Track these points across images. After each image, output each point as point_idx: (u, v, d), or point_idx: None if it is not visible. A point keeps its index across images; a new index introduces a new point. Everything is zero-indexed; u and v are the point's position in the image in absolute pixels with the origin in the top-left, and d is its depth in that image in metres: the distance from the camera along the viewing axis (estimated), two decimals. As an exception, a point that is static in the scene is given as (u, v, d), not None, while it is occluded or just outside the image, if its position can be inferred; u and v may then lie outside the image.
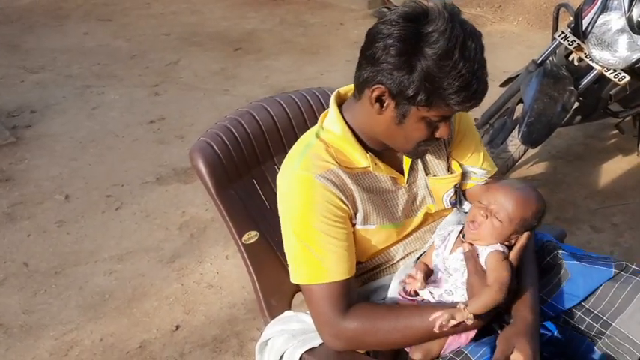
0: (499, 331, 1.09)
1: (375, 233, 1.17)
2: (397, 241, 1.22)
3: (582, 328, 1.14)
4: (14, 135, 3.22)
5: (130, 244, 2.40)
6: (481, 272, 1.08)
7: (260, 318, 1.92)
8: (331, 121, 1.17)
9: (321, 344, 1.16)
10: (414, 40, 1.00)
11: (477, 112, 2.76)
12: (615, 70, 2.19)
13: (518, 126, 2.29)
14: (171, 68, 4.22)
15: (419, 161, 1.22)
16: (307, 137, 1.19)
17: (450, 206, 1.25)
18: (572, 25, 2.29)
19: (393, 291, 1.19)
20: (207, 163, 1.39)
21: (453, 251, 1.15)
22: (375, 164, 1.16)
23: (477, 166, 1.28)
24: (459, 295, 1.11)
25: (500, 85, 2.73)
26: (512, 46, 4.55)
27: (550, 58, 2.41)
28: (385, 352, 1.19)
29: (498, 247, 1.11)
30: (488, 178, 1.29)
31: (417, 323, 1.07)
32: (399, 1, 5.47)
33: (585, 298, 1.14)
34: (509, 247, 1.13)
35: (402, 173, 1.20)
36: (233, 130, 1.47)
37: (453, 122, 1.21)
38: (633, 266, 1.13)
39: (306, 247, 1.11)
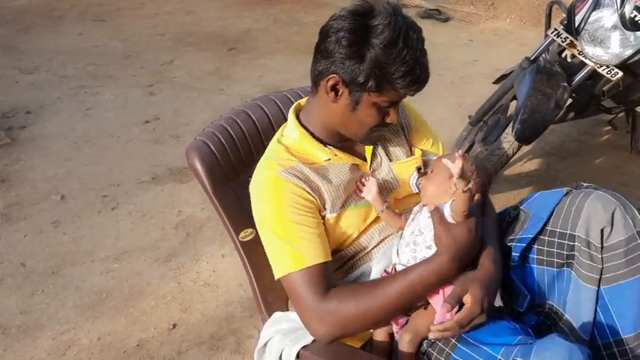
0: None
1: (345, 217, 1.22)
2: (370, 225, 1.25)
3: (555, 251, 1.17)
4: (9, 136, 3.22)
5: (127, 243, 2.41)
6: (445, 224, 1.11)
7: (257, 315, 1.93)
8: (290, 128, 1.28)
9: (313, 340, 1.17)
10: (362, 31, 1.12)
11: (472, 110, 2.77)
12: (608, 67, 2.20)
13: (511, 123, 2.30)
14: (166, 68, 4.23)
15: (380, 149, 1.31)
16: (271, 145, 1.30)
17: (417, 190, 1.30)
18: (565, 21, 2.30)
19: (375, 276, 1.21)
20: (204, 162, 1.41)
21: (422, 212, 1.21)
22: (335, 155, 1.25)
23: (439, 154, 1.39)
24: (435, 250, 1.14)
25: (494, 83, 2.75)
26: (505, 44, 4.57)
27: (543, 55, 2.42)
28: (380, 349, 1.20)
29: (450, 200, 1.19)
30: None
31: (391, 288, 1.10)
32: None
33: (548, 221, 1.19)
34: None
35: (365, 161, 1.29)
36: (229, 129, 1.49)
37: (407, 117, 1.37)
38: (585, 184, 1.20)
39: (282, 240, 1.17)
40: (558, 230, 1.16)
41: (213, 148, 1.44)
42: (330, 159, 1.24)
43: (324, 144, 1.25)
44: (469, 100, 3.47)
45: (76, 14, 5.47)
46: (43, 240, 2.43)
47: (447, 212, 1.12)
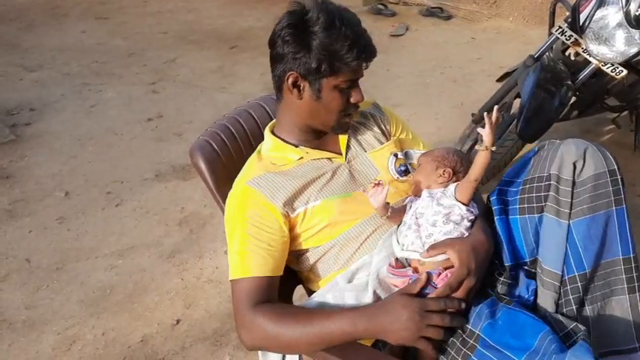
0: (493, 295, 1.16)
1: (322, 207, 1.26)
2: (357, 215, 1.27)
3: (534, 195, 1.18)
4: (14, 133, 3.23)
5: (130, 240, 2.42)
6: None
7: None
8: (265, 141, 1.39)
9: None
10: (301, 25, 1.22)
11: (475, 108, 2.77)
12: (613, 65, 2.20)
13: (515, 121, 2.30)
14: (169, 66, 4.24)
15: (354, 141, 1.39)
16: (248, 159, 1.38)
17: (398, 176, 1.35)
18: (570, 19, 2.29)
19: (376, 267, 1.22)
20: (207, 161, 1.43)
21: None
22: (307, 153, 1.33)
23: (421, 149, 1.47)
24: (438, 231, 1.18)
25: (497, 81, 2.75)
26: (508, 42, 4.57)
27: (547, 53, 2.42)
28: (394, 346, 1.19)
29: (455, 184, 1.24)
30: None
31: (311, 329, 1.13)
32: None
33: (528, 172, 1.23)
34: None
35: (340, 153, 1.35)
36: (231, 129, 1.51)
37: (383, 112, 1.46)
38: (557, 141, 1.23)
39: (235, 248, 1.24)
40: (537, 176, 1.19)
41: (216, 147, 1.46)
42: (302, 157, 1.32)
43: (296, 146, 1.34)
44: (472, 98, 3.47)
45: (79, 12, 5.48)
46: (47, 236, 2.44)
47: (450, 192, 1.20)
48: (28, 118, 3.42)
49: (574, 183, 1.14)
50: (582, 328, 1.08)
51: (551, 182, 1.15)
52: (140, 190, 2.75)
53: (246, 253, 1.21)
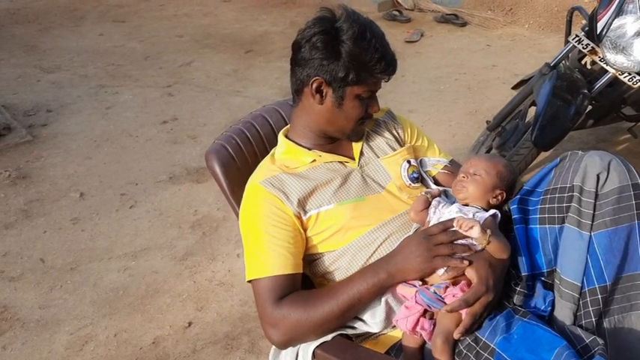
0: (509, 307, 1.15)
1: (337, 211, 1.27)
2: (370, 222, 1.27)
3: (555, 206, 1.17)
4: (30, 133, 3.27)
5: (144, 241, 2.43)
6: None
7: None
8: (279, 145, 1.40)
9: (333, 338, 1.18)
10: (332, 32, 1.23)
11: (489, 115, 2.76)
12: (630, 74, 2.18)
13: (530, 129, 2.29)
14: (184, 69, 4.27)
15: (367, 147, 1.39)
16: (263, 160, 1.40)
17: (410, 182, 1.36)
18: (587, 28, 2.28)
19: None
20: (222, 165, 1.44)
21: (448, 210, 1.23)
22: (320, 156, 1.34)
23: (436, 156, 1.50)
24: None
25: (513, 88, 2.74)
26: (523, 49, 4.54)
27: (563, 62, 2.41)
28: (410, 356, 1.18)
29: (492, 212, 1.21)
30: (449, 162, 1.49)
31: (339, 297, 1.16)
32: (408, 4, 5.49)
33: (550, 182, 1.22)
34: (498, 210, 1.22)
35: (353, 158, 1.37)
36: (247, 133, 1.52)
37: (397, 119, 1.48)
38: (579, 152, 1.23)
39: (252, 248, 1.24)
40: (559, 186, 1.18)
41: (231, 151, 1.47)
42: (314, 160, 1.33)
43: (309, 149, 1.35)
44: (486, 105, 3.45)
45: (96, 15, 5.55)
46: (62, 236, 2.47)
47: (480, 220, 1.15)
48: (45, 119, 3.46)
49: (597, 195, 1.12)
50: (600, 342, 1.06)
51: (574, 193, 1.14)
52: (154, 192, 2.77)
53: (266, 252, 1.21)
